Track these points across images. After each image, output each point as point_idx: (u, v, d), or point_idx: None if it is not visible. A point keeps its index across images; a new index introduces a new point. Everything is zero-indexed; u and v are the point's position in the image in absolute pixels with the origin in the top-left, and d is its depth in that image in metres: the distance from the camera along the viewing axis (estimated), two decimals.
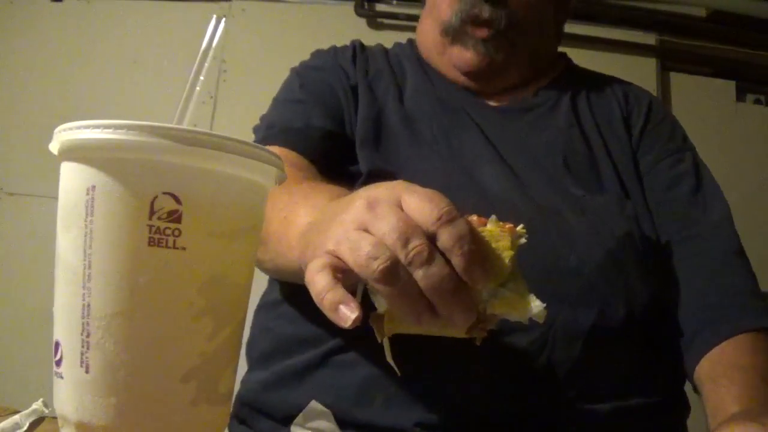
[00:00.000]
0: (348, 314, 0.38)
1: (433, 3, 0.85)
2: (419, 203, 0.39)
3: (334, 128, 0.77)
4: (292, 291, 0.72)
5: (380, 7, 1.92)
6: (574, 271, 0.65)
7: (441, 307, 0.39)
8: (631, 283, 0.68)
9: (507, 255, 0.40)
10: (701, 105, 1.87)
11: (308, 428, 0.63)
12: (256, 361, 0.74)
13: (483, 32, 0.79)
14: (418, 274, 0.38)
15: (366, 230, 0.40)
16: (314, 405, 0.63)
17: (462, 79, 0.84)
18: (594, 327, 0.64)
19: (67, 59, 1.90)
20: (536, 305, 0.41)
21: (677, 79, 1.91)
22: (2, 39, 1.93)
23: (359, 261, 0.38)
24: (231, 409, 0.73)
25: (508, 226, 0.41)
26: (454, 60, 0.82)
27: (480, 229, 0.41)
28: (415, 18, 1.84)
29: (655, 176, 0.79)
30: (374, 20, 1.90)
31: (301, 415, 0.64)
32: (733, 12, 1.90)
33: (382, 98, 0.80)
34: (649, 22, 1.91)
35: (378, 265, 0.38)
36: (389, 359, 0.45)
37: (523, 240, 0.41)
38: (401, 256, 0.38)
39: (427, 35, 0.86)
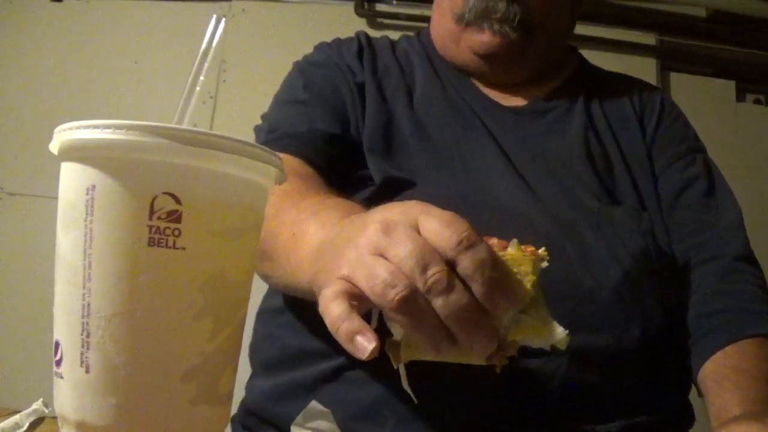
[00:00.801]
0: (365, 345, 0.36)
1: None
2: (438, 227, 0.38)
3: (339, 131, 0.75)
4: (294, 299, 0.70)
5: (380, 7, 1.91)
6: (589, 294, 0.64)
7: (461, 335, 0.37)
8: (647, 305, 0.67)
9: (529, 280, 0.39)
10: (701, 105, 1.87)
11: (308, 428, 0.63)
12: (261, 368, 0.73)
13: (498, 15, 0.76)
14: (437, 303, 0.36)
15: (382, 255, 0.38)
16: (314, 405, 0.63)
17: (477, 64, 0.81)
18: (608, 351, 0.63)
19: (67, 59, 1.90)
20: (559, 332, 0.39)
21: (677, 79, 1.91)
22: (2, 39, 1.93)
23: (376, 289, 0.37)
24: (235, 415, 0.73)
25: (530, 249, 0.40)
26: (470, 43, 0.79)
27: (500, 253, 0.39)
28: (415, 18, 1.86)
29: (668, 178, 0.79)
30: (374, 20, 1.90)
31: (300, 415, 0.63)
32: (733, 12, 1.90)
33: (392, 102, 0.78)
34: (649, 22, 1.90)
35: (395, 294, 0.36)
36: (406, 386, 0.44)
37: (544, 264, 0.40)
38: (419, 284, 0.36)
39: (441, 26, 0.84)
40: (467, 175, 0.72)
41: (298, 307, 0.70)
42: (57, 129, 0.37)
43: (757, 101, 1.98)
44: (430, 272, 0.36)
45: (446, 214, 0.38)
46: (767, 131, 1.90)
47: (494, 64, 0.80)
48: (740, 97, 1.95)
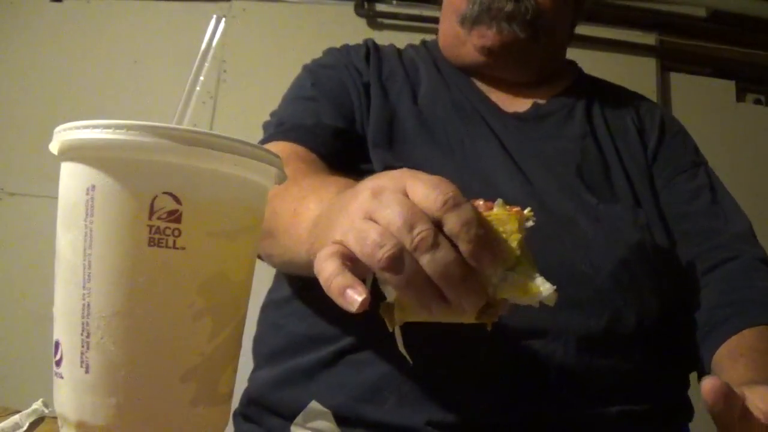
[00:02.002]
0: (355, 297, 0.37)
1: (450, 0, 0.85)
2: (424, 190, 0.39)
3: (345, 126, 0.77)
4: (301, 288, 0.72)
5: (380, 7, 1.92)
6: (587, 277, 0.66)
7: (449, 293, 0.39)
8: (643, 291, 0.68)
9: (515, 239, 0.40)
10: (701, 105, 1.87)
11: (308, 428, 0.63)
12: (264, 359, 0.74)
13: (504, 16, 0.78)
14: (424, 260, 0.38)
15: (372, 219, 0.40)
16: (314, 405, 0.63)
17: (482, 63, 0.82)
18: (605, 333, 0.64)
19: (67, 59, 1.90)
20: (546, 288, 0.40)
21: (677, 79, 1.91)
22: (2, 39, 1.93)
23: (365, 250, 0.38)
24: (237, 408, 0.73)
25: (515, 209, 0.41)
26: (476, 40, 0.81)
27: (486, 213, 0.40)
28: (414, 18, 1.86)
29: (673, 190, 0.80)
30: (374, 20, 1.90)
31: (300, 415, 0.64)
32: (733, 12, 1.90)
33: (396, 100, 0.80)
34: (649, 22, 1.91)
35: (383, 254, 0.37)
36: (401, 348, 0.45)
37: (530, 223, 0.41)
38: (406, 243, 0.38)
39: (447, 30, 0.86)
40: (469, 167, 0.74)
41: (303, 295, 0.71)
42: (57, 129, 0.37)
43: (757, 101, 1.98)
44: (416, 231, 0.37)
45: (433, 178, 0.40)
46: (767, 131, 1.90)
47: (498, 61, 0.82)
48: (740, 97, 1.95)
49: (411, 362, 0.46)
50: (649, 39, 1.90)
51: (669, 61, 1.92)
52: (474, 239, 0.38)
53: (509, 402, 0.61)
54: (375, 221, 0.39)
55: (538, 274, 0.40)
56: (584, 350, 0.63)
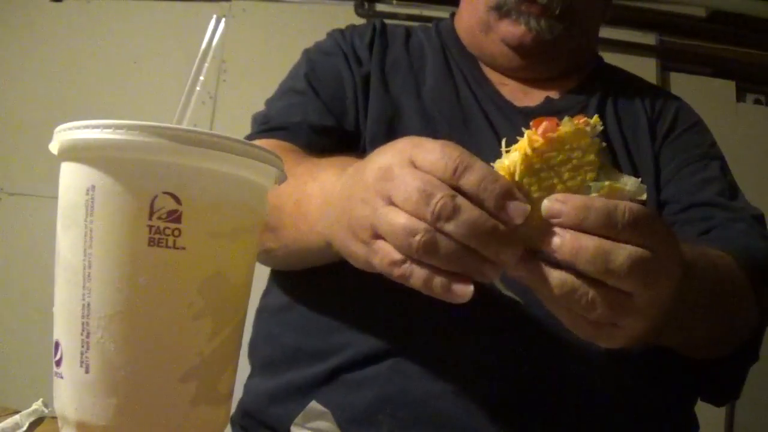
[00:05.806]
0: (464, 291, 0.38)
1: None
2: (431, 160, 0.39)
3: (333, 123, 0.75)
4: (298, 298, 0.70)
5: (380, 7, 1.92)
6: None
7: (486, 251, 0.38)
8: None
9: (592, 150, 0.40)
10: (701, 105, 1.84)
11: (308, 428, 0.63)
12: (259, 368, 0.73)
13: (537, 9, 0.76)
14: (451, 228, 0.37)
15: (392, 202, 0.40)
16: (314, 405, 0.63)
17: (505, 57, 0.80)
18: (609, 350, 0.63)
19: (67, 59, 1.90)
20: (631, 183, 0.40)
21: (677, 79, 1.91)
22: (2, 39, 1.93)
23: (399, 242, 0.39)
24: (233, 415, 0.73)
25: (582, 120, 0.40)
26: (503, 34, 0.78)
27: (554, 134, 0.40)
28: (414, 18, 1.86)
29: (680, 181, 0.77)
30: (374, 20, 1.90)
31: (300, 415, 0.63)
32: (733, 12, 1.90)
33: (398, 93, 0.77)
34: (649, 22, 1.90)
35: (417, 242, 0.38)
36: (506, 292, 0.46)
37: (600, 127, 0.41)
38: (429, 217, 0.37)
39: (471, 16, 0.82)
40: None
41: (295, 307, 0.70)
42: (57, 129, 0.37)
43: (757, 101, 1.98)
44: (433, 201, 0.37)
45: (436, 144, 0.40)
46: (767, 131, 1.90)
47: (524, 57, 0.79)
48: (740, 97, 1.95)
49: (521, 301, 0.46)
50: (649, 39, 1.90)
51: (669, 61, 1.92)
52: (494, 195, 0.38)
53: (511, 420, 0.59)
54: (395, 204, 0.39)
55: (620, 174, 0.41)
56: (588, 367, 0.61)
